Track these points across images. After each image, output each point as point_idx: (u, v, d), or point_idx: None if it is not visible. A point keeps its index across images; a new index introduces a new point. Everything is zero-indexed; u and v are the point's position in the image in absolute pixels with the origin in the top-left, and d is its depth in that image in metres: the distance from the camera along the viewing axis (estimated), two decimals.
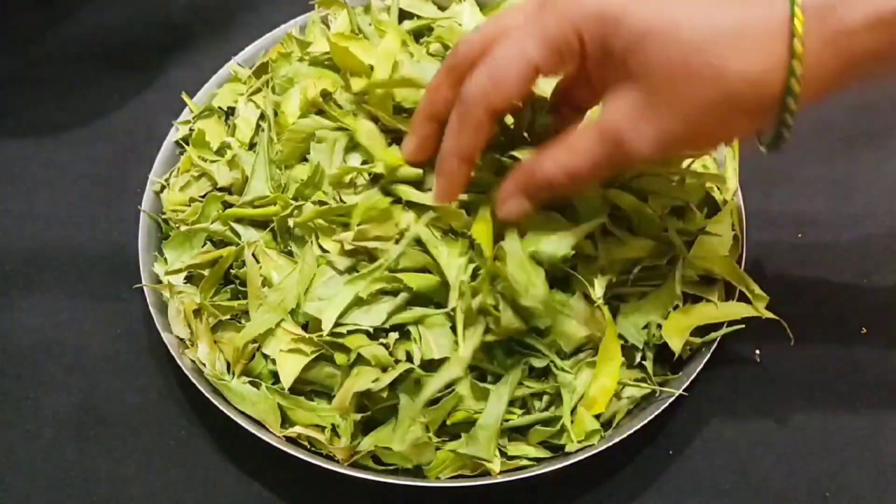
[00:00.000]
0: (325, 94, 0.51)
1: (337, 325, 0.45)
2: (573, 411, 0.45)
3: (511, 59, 0.39)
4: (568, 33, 0.37)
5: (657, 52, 0.35)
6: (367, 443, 0.45)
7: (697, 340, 0.48)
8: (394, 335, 0.45)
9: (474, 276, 0.44)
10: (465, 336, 0.44)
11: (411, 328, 0.45)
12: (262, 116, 0.53)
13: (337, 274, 0.46)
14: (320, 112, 0.51)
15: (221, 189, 0.52)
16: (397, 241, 0.46)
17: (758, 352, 0.53)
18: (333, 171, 0.48)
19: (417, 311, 0.45)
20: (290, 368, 0.45)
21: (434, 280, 0.45)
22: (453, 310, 0.44)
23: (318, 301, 0.46)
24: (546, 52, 0.38)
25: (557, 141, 0.40)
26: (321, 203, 0.47)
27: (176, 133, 0.56)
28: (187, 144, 0.55)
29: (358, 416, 0.45)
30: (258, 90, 0.55)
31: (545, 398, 0.46)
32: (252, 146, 0.53)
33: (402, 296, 0.45)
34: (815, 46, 0.34)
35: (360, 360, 0.45)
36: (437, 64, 0.50)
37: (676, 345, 0.46)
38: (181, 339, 0.49)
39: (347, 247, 0.46)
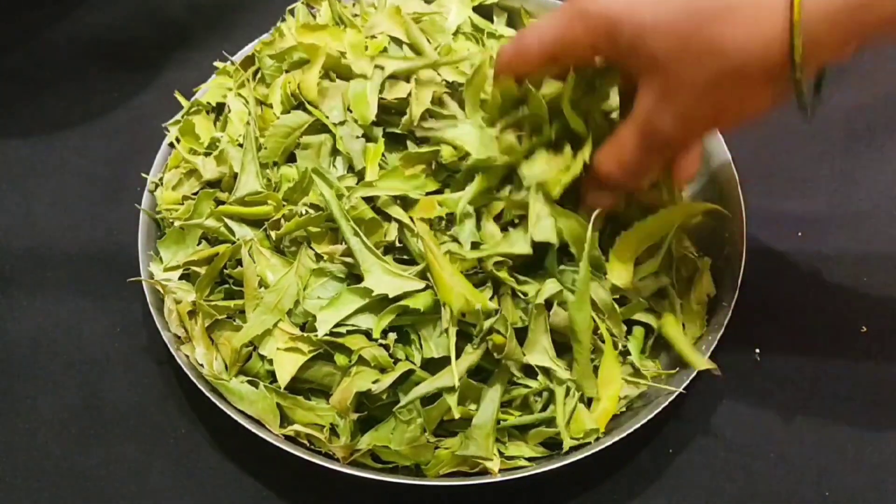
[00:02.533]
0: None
1: (335, 325, 0.45)
2: (573, 411, 0.45)
3: (532, 36, 0.43)
4: (580, 31, 0.40)
5: (659, 43, 0.37)
6: (365, 441, 0.45)
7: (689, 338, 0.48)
8: (392, 335, 0.45)
9: None
10: (466, 353, 0.44)
11: (409, 330, 0.45)
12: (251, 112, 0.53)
13: (333, 277, 0.46)
14: (301, 106, 0.51)
15: (211, 185, 0.52)
16: (386, 250, 0.46)
17: (758, 351, 0.53)
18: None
19: (416, 315, 0.45)
20: (287, 367, 0.45)
21: (431, 298, 0.45)
22: (446, 330, 0.44)
23: (318, 299, 0.46)
24: (562, 36, 0.41)
25: (610, 138, 0.43)
26: (313, 206, 0.47)
27: (169, 135, 0.55)
28: (179, 143, 0.54)
29: (356, 416, 0.45)
30: (244, 84, 0.55)
31: (544, 395, 0.46)
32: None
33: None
34: (818, 14, 0.34)
35: (360, 360, 0.45)
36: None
37: (623, 278, 0.46)
38: (178, 338, 0.49)
39: (341, 258, 0.46)
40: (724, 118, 0.40)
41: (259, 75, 0.54)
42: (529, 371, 0.46)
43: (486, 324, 0.44)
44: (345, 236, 0.45)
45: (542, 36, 0.42)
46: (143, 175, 0.54)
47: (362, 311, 0.45)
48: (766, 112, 0.39)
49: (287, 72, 0.53)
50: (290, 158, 0.51)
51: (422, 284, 0.44)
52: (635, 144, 0.41)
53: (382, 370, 0.45)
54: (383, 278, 0.44)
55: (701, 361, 0.46)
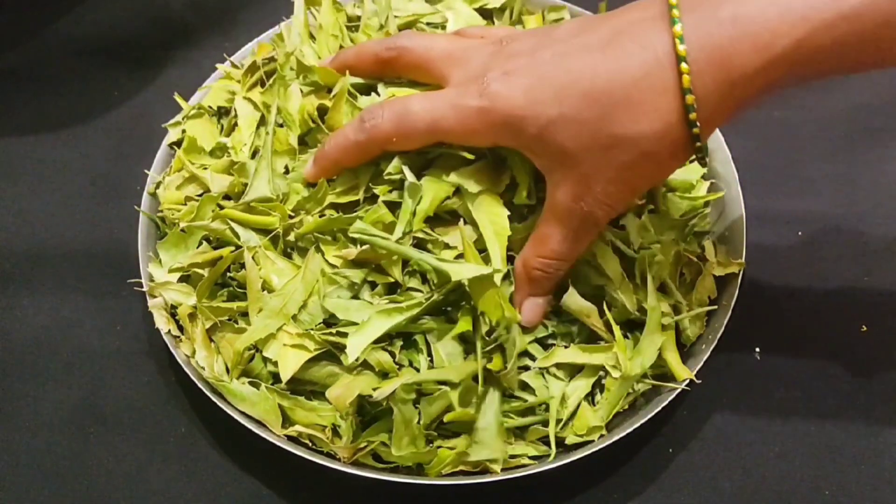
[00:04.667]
0: (323, 111, 0.50)
1: (343, 324, 0.45)
2: (574, 410, 0.46)
3: (421, 120, 0.43)
4: (479, 126, 0.42)
5: (567, 134, 0.40)
6: (368, 438, 0.45)
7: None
8: (398, 342, 0.45)
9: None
10: (471, 359, 0.44)
11: (418, 338, 0.45)
12: (263, 118, 0.52)
13: (346, 284, 0.46)
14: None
15: None
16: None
17: (758, 350, 0.53)
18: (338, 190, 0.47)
19: (428, 322, 0.45)
20: (290, 363, 0.45)
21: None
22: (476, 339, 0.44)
23: (338, 298, 0.46)
24: (458, 128, 0.42)
25: (533, 236, 0.45)
26: (332, 205, 0.47)
27: (168, 136, 0.55)
28: (179, 147, 0.53)
29: (358, 418, 0.45)
30: (253, 86, 0.54)
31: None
32: (254, 153, 0.51)
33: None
34: (710, 94, 0.37)
35: (364, 363, 0.45)
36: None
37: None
38: (177, 338, 0.48)
39: (350, 258, 0.46)
40: (640, 188, 0.44)
41: (270, 81, 0.53)
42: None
43: (518, 340, 0.44)
44: (419, 265, 0.45)
45: (433, 124, 0.43)
46: (145, 171, 0.53)
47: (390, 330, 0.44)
48: (675, 170, 0.43)
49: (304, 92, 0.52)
50: None
51: (489, 269, 0.44)
52: (563, 235, 0.43)
53: (385, 375, 0.44)
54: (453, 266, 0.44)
55: (682, 371, 0.46)
